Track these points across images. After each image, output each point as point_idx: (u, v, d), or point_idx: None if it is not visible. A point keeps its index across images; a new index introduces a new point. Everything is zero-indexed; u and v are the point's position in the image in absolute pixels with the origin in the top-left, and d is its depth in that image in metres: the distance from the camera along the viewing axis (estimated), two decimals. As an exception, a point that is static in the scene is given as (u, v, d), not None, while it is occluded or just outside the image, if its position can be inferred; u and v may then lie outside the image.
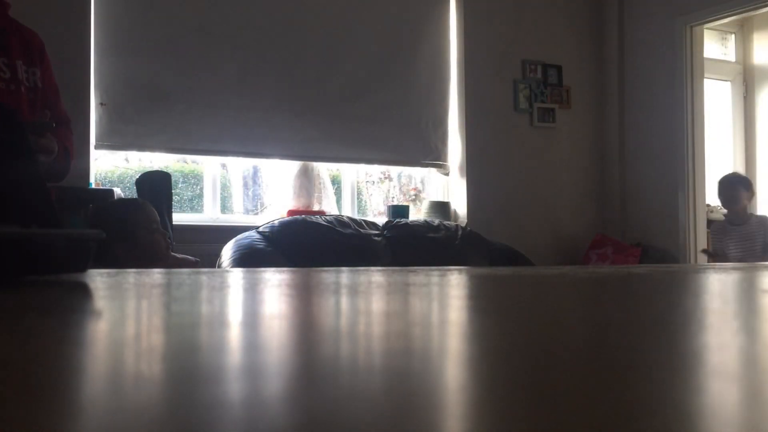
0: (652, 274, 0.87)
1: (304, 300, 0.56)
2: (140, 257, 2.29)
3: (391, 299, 0.56)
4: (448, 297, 0.59)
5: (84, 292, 0.60)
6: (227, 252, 3.86)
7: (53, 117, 2.02)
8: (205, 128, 4.33)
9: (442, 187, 5.26)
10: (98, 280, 0.71)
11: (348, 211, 4.92)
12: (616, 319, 0.43)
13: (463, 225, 4.83)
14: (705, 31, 5.52)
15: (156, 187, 2.88)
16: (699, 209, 5.38)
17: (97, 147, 4.08)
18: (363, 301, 0.54)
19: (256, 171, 4.79)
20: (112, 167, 4.39)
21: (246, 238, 3.96)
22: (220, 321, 0.41)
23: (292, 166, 4.70)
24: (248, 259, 3.74)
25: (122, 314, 0.45)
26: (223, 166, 4.66)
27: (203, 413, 0.19)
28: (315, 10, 4.69)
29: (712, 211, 5.93)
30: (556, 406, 0.20)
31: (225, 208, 4.65)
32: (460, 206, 5.16)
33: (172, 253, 2.48)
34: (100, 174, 4.27)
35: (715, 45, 6.51)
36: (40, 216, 0.74)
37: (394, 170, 5.21)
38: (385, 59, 4.91)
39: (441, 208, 5.04)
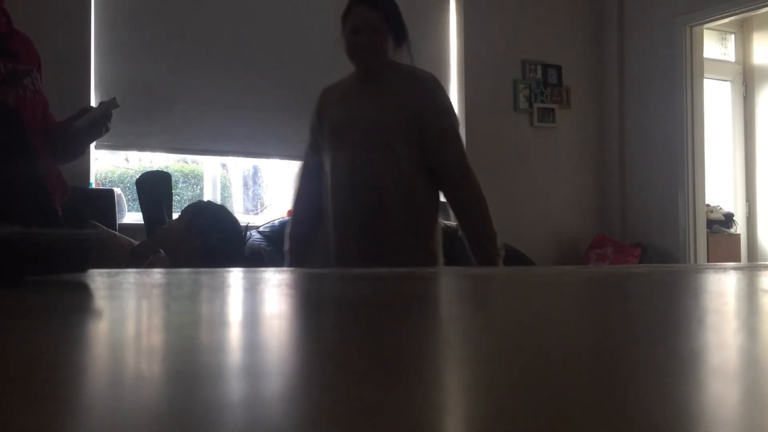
0: (652, 274, 0.87)
1: (302, 299, 0.56)
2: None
3: (390, 299, 0.56)
4: (448, 297, 0.59)
5: (84, 292, 0.60)
6: (227, 252, 3.86)
7: (50, 125, 2.04)
8: (205, 128, 4.33)
9: (442, 187, 5.26)
10: (98, 280, 0.71)
11: (348, 211, 4.91)
12: (616, 319, 0.43)
13: (463, 225, 4.82)
14: (705, 31, 5.52)
15: (156, 187, 2.88)
16: (699, 209, 5.38)
17: (97, 147, 4.08)
18: (363, 298, 0.54)
19: (256, 171, 4.79)
20: (112, 167, 4.39)
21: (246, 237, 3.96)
22: (219, 321, 0.41)
23: (292, 166, 4.70)
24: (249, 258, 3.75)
25: (122, 314, 0.45)
26: (223, 166, 4.66)
27: (203, 413, 0.19)
28: (316, 10, 4.69)
29: (711, 211, 5.93)
30: (556, 406, 0.20)
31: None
32: (460, 206, 5.15)
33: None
34: (101, 174, 4.27)
35: (715, 45, 6.51)
36: (40, 216, 0.74)
37: (394, 170, 5.21)
38: (385, 59, 4.90)
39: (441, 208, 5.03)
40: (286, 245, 2.29)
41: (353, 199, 2.12)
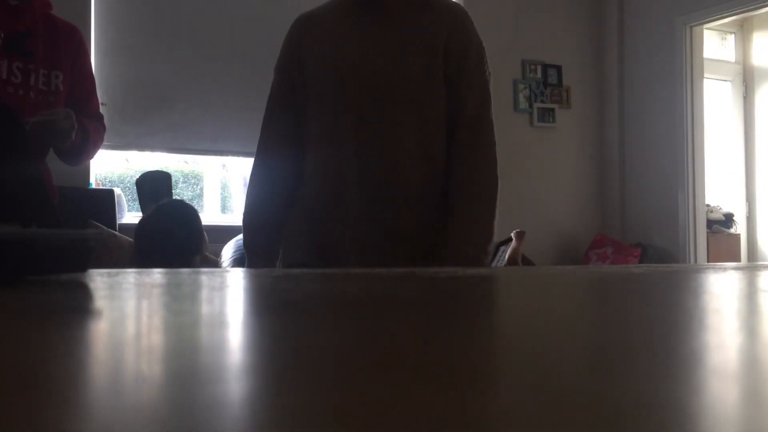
0: (652, 274, 0.87)
1: (301, 299, 0.56)
2: None
3: (391, 299, 0.56)
4: (449, 297, 0.59)
5: (84, 292, 0.60)
6: (227, 252, 3.85)
7: (84, 112, 2.01)
8: (205, 128, 4.33)
9: (442, 187, 5.26)
10: (98, 280, 0.71)
11: (348, 211, 4.91)
12: (616, 319, 0.43)
13: (463, 225, 4.82)
14: (705, 31, 5.52)
15: (156, 187, 2.88)
16: (699, 209, 5.38)
17: (97, 147, 4.08)
18: (362, 298, 0.54)
19: (256, 171, 4.79)
20: (112, 167, 4.39)
21: (246, 238, 3.96)
22: (219, 321, 0.41)
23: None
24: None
25: (122, 314, 0.45)
26: (223, 166, 4.66)
27: (203, 413, 0.19)
28: (315, 10, 4.69)
29: (712, 211, 5.93)
30: (556, 406, 0.20)
31: (225, 208, 4.64)
32: (460, 206, 5.16)
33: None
34: (100, 174, 4.27)
35: (715, 45, 6.51)
36: (40, 216, 0.74)
37: (394, 170, 5.20)
38: (385, 59, 4.90)
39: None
40: (249, 239, 1.64)
41: (361, 173, 1.54)
